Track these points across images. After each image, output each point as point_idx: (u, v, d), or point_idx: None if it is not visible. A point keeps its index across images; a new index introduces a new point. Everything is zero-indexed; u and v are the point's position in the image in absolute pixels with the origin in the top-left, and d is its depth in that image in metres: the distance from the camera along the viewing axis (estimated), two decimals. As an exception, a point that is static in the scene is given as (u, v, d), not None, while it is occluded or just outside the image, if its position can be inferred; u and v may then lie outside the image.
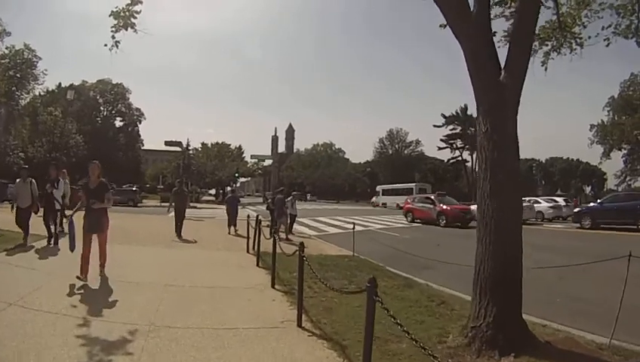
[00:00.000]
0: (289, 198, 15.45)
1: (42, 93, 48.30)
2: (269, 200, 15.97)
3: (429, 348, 2.82)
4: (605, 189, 79.08)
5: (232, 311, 5.48)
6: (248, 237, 10.67)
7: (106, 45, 6.02)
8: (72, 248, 6.84)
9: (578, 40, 6.67)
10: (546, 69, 6.87)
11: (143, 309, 5.26)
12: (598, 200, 23.11)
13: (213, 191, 62.84)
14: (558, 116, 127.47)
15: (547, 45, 6.77)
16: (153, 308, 5.34)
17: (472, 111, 70.42)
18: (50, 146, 38.22)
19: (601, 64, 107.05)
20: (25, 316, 4.69)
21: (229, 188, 47.30)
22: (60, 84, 53.96)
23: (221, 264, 8.96)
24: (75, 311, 5.04)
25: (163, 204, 36.71)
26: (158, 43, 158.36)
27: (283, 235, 13.93)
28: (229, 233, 14.85)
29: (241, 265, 8.88)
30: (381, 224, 22.15)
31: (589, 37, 6.69)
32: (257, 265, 8.77)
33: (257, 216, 10.45)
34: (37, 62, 32.08)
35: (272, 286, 6.92)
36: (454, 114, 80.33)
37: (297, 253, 5.21)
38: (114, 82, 54.60)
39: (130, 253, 9.36)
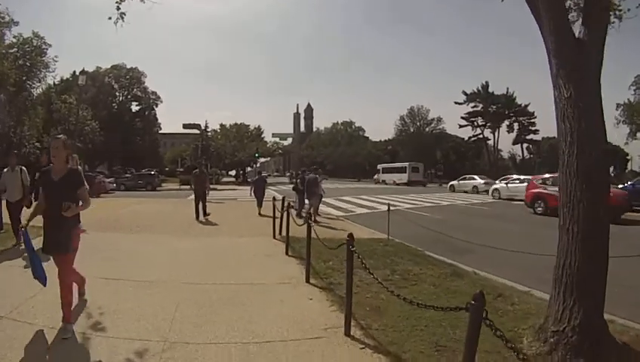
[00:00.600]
0: (319, 178, 14.40)
1: (57, 83, 48.26)
2: (297, 180, 14.75)
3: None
4: (628, 170, 74.52)
5: (262, 316, 4.50)
6: (274, 221, 9.66)
7: (110, 18, 5.85)
8: (42, 279, 4.24)
9: (617, 12, 5.57)
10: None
11: (154, 318, 4.31)
12: (629, 182, 21.16)
13: (233, 173, 62.01)
14: None
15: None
16: (168, 316, 4.38)
17: (494, 87, 68.48)
18: (66, 134, 37.69)
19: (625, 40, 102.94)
20: (16, 331, 3.82)
21: (249, 169, 46.62)
22: (74, 72, 53.30)
23: (246, 253, 7.96)
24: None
25: (182, 187, 36.46)
26: (174, 28, 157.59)
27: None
28: (260, 213, 14.08)
29: (268, 253, 7.88)
30: (409, 203, 21.01)
31: (628, 9, 5.63)
32: (287, 253, 7.78)
33: (283, 198, 9.55)
34: (47, 49, 31.12)
35: (307, 280, 5.95)
36: (475, 91, 78.01)
37: (345, 244, 4.21)
38: (128, 67, 54.16)
39: (143, 243, 8.52)
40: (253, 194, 15.10)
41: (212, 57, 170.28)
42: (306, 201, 13.80)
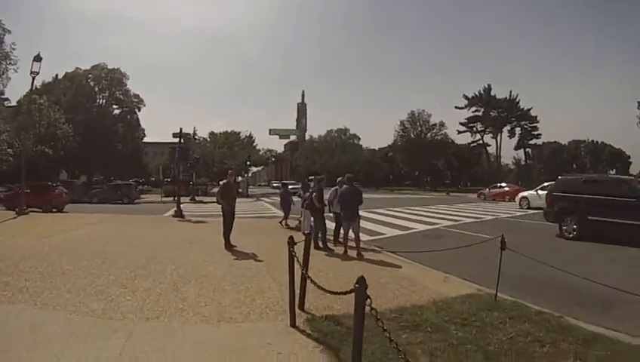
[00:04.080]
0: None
1: (38, 87, 44.39)
2: (312, 193, 10.13)
3: None
4: (629, 173, 75.01)
5: None
6: (293, 275, 5.46)
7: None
8: None
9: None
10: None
11: None
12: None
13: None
14: (567, 100, 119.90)
15: None
16: None
17: (496, 91, 65.67)
18: (36, 139, 33.73)
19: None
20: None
21: (240, 179, 42.55)
22: (56, 75, 49.68)
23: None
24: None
25: (165, 200, 32.30)
26: (161, 39, 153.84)
27: (340, 248, 9.34)
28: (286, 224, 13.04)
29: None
30: (442, 218, 16.86)
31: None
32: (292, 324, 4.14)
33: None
34: (3, 35, 25.34)
35: None
36: (477, 95, 74.87)
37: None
38: (109, 67, 49.57)
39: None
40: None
41: (198, 71, 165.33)
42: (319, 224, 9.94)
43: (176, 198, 18.61)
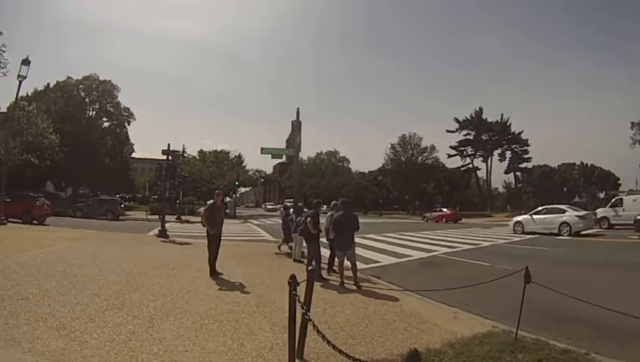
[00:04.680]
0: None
1: (29, 94, 42.86)
2: (307, 218, 9.29)
3: None
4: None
5: None
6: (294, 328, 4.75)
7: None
8: None
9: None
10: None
11: None
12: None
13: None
14: (554, 121, 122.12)
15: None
16: None
17: (487, 114, 66.76)
18: (23, 147, 32.80)
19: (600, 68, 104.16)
20: None
21: (228, 199, 41.63)
22: (48, 84, 48.61)
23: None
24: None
25: (151, 218, 31.31)
26: (151, 51, 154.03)
27: (335, 278, 8.83)
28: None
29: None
30: (438, 244, 16.19)
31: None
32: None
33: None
34: None
35: None
36: (468, 118, 75.57)
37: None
38: (101, 79, 48.81)
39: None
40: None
41: (190, 85, 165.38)
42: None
43: (161, 216, 17.77)
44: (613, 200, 25.46)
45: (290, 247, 12.21)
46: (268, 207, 73.45)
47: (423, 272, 10.55)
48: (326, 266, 9.49)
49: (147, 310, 5.72)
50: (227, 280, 8.17)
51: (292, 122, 13.42)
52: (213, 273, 8.45)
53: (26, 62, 18.27)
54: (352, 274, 8.24)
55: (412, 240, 17.60)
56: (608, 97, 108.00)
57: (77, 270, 8.30)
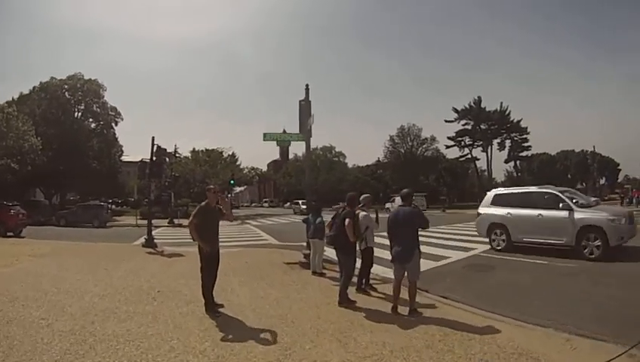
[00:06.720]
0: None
1: (15, 99, 42.04)
2: (342, 218, 6.70)
3: None
4: (620, 180, 77.66)
5: None
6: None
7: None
8: None
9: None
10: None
11: None
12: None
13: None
14: (555, 109, 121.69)
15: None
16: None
17: (486, 103, 64.24)
18: (3, 152, 30.86)
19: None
20: None
21: (228, 195, 39.30)
22: (33, 88, 46.21)
23: None
24: None
25: (140, 223, 28.99)
26: (148, 52, 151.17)
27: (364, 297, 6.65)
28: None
29: None
30: (469, 241, 13.88)
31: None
32: None
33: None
34: None
35: None
36: (467, 107, 73.33)
37: None
38: (86, 78, 46.26)
39: None
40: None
41: (182, 85, 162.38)
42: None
43: (148, 222, 15.48)
44: None
45: (306, 255, 9.90)
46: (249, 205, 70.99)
47: (477, 279, 8.46)
48: (355, 282, 7.29)
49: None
50: (232, 317, 5.78)
51: (300, 103, 11.00)
52: (210, 307, 6.02)
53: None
54: (406, 297, 5.94)
55: (437, 238, 15.01)
56: (604, 85, 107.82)
57: (15, 311, 5.86)
